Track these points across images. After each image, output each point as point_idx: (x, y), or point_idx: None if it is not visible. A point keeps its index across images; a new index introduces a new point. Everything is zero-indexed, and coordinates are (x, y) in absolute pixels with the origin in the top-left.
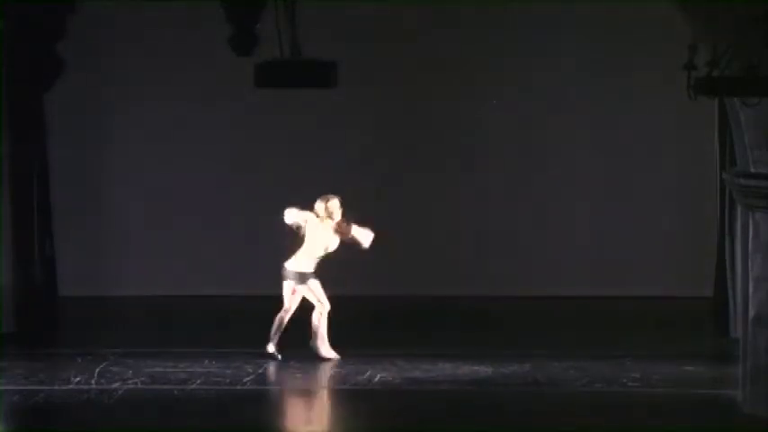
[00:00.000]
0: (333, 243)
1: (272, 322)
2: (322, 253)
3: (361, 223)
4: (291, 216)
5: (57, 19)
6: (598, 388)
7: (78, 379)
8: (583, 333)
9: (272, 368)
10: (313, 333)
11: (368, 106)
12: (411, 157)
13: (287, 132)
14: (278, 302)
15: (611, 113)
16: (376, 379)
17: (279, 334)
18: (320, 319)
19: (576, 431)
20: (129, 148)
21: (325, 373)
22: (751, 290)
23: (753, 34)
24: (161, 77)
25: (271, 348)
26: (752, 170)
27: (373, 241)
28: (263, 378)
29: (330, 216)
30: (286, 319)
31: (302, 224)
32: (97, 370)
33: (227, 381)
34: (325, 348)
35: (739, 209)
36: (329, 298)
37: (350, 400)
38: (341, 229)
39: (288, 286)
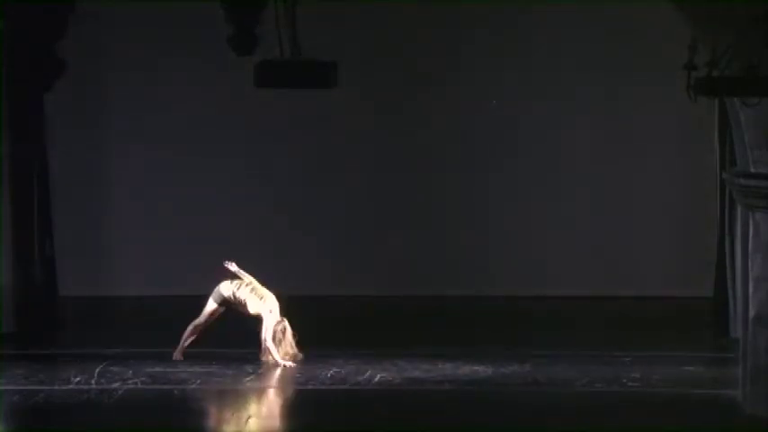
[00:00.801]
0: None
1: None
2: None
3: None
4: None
5: (57, 19)
6: (598, 388)
7: (78, 379)
8: (583, 333)
9: (271, 368)
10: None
11: (368, 106)
12: (411, 156)
13: (287, 132)
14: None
15: (611, 113)
16: (376, 379)
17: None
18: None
19: (576, 431)
20: (128, 148)
21: (325, 372)
22: (751, 290)
23: (753, 34)
24: (161, 77)
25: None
26: (752, 170)
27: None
28: (262, 378)
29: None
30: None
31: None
32: (97, 370)
33: (228, 381)
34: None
35: (739, 209)
36: (330, 297)
37: (350, 400)
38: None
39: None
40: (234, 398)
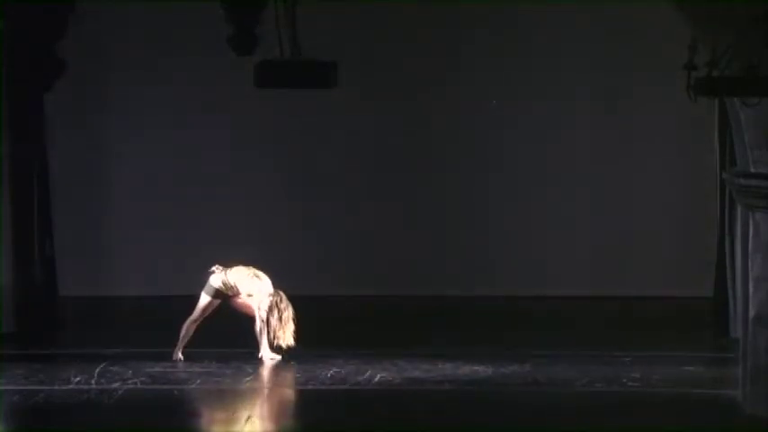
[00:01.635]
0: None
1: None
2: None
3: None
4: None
5: (57, 19)
6: (598, 388)
7: (78, 379)
8: (583, 333)
9: (271, 368)
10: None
11: (368, 106)
12: (411, 156)
13: (287, 132)
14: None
15: (611, 113)
16: (376, 379)
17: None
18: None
19: (575, 431)
20: (128, 148)
21: (325, 372)
22: (751, 290)
23: (753, 34)
24: (161, 77)
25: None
26: (752, 170)
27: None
28: (262, 378)
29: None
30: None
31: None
32: (97, 370)
33: (228, 381)
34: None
35: (739, 209)
36: (330, 297)
37: (350, 400)
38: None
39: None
40: (234, 398)
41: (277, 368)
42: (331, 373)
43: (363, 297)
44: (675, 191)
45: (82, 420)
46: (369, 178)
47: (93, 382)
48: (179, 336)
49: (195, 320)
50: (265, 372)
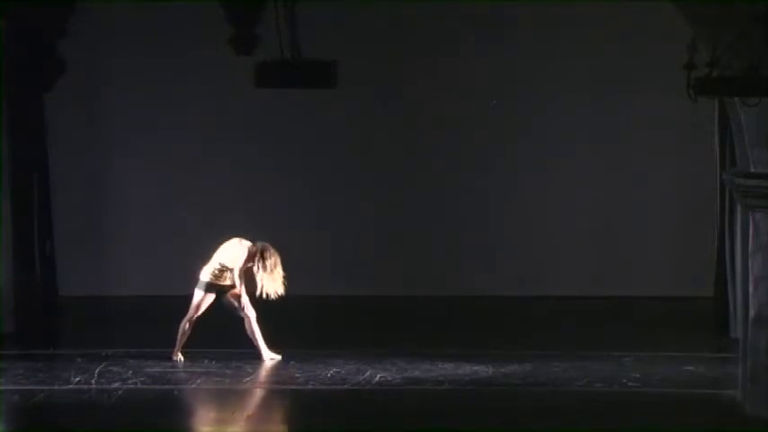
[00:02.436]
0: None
1: (271, 322)
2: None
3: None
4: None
5: (57, 19)
6: (598, 388)
7: (78, 379)
8: (583, 333)
9: (271, 368)
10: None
11: (368, 106)
12: (411, 156)
13: (287, 132)
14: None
15: (611, 113)
16: (376, 379)
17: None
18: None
19: (575, 431)
20: (129, 149)
21: (325, 372)
22: (751, 290)
23: (753, 34)
24: (161, 77)
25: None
26: (752, 170)
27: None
28: (262, 378)
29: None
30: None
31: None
32: (97, 370)
33: (227, 381)
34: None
35: (739, 209)
36: (330, 297)
37: (350, 400)
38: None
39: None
40: (233, 398)
41: (277, 368)
42: (331, 373)
43: (364, 297)
44: (675, 191)
45: (82, 420)
46: (369, 178)
47: (93, 382)
48: (176, 337)
49: (191, 319)
50: (265, 372)
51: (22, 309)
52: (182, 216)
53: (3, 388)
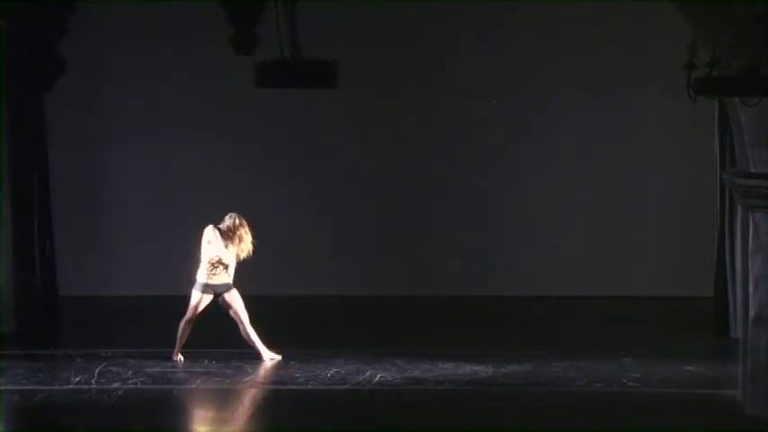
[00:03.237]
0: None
1: (271, 322)
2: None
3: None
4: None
5: (57, 19)
6: (598, 388)
7: (78, 379)
8: (583, 333)
9: (271, 368)
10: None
11: (368, 106)
12: (411, 156)
13: (287, 132)
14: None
15: (612, 113)
16: (376, 379)
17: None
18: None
19: (576, 431)
20: (129, 149)
21: (325, 372)
22: (751, 290)
23: (753, 34)
24: (161, 77)
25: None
26: (752, 170)
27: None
28: (262, 378)
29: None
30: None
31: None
32: (97, 370)
33: (227, 381)
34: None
35: (739, 209)
36: (330, 297)
37: (350, 400)
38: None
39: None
40: (233, 398)
41: (277, 368)
42: (331, 373)
43: (364, 297)
44: (675, 191)
45: (82, 420)
46: (369, 178)
47: (93, 382)
48: (176, 337)
49: (189, 320)
50: (265, 372)
51: (22, 309)
52: (181, 216)
53: (3, 388)
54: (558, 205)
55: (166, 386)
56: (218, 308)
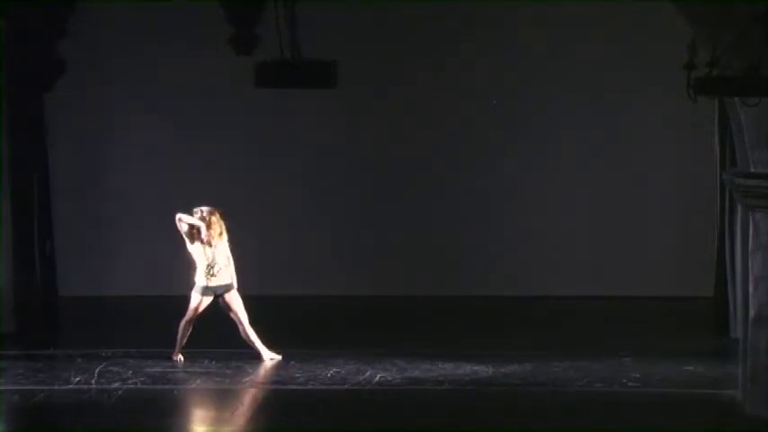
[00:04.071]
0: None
1: (271, 322)
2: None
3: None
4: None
5: (57, 19)
6: (598, 388)
7: (78, 379)
8: (583, 333)
9: (271, 368)
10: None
11: (368, 106)
12: (411, 156)
13: (287, 132)
14: (276, 302)
15: (612, 114)
16: (376, 379)
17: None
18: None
19: (576, 431)
20: (128, 148)
21: (325, 372)
22: (751, 290)
23: (753, 34)
24: (161, 77)
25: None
26: (752, 170)
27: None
28: (262, 378)
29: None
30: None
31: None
32: (97, 370)
33: (227, 381)
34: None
35: (739, 209)
36: (330, 297)
37: (350, 400)
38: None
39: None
40: (233, 398)
41: (277, 368)
42: (331, 373)
43: (364, 297)
44: (675, 191)
45: (82, 420)
46: (369, 178)
47: (93, 382)
48: (176, 338)
49: (189, 320)
50: (265, 372)
51: (22, 309)
52: None
53: (3, 388)
54: (558, 205)
55: (166, 386)
56: (218, 308)
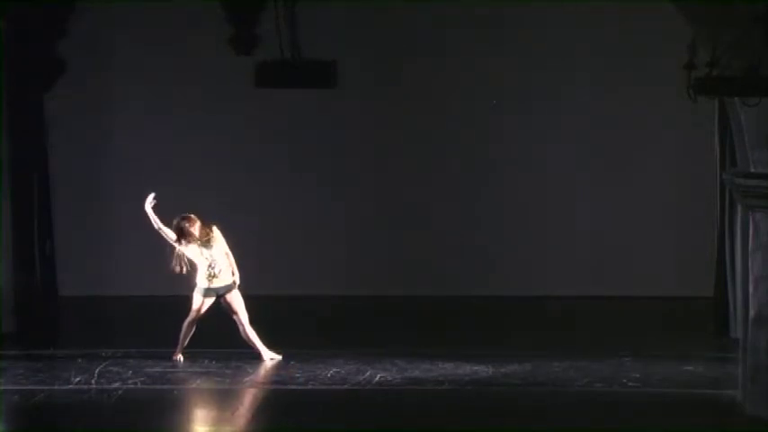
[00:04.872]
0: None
1: (271, 322)
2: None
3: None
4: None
5: (57, 19)
6: (598, 388)
7: (78, 379)
8: (583, 333)
9: (271, 368)
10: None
11: (368, 106)
12: (411, 156)
13: (287, 132)
14: (277, 302)
15: (611, 113)
16: (376, 379)
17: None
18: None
19: (576, 431)
20: (129, 149)
21: (325, 372)
22: (751, 290)
23: (753, 34)
24: (161, 77)
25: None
26: (752, 170)
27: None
28: (262, 378)
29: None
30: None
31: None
32: (97, 370)
33: (227, 381)
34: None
35: (739, 209)
36: (331, 297)
37: (350, 400)
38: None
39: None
40: (233, 398)
41: (277, 368)
42: (331, 373)
43: (364, 297)
44: (675, 191)
45: (82, 420)
46: (369, 178)
47: (93, 382)
48: (178, 338)
49: (192, 321)
50: (265, 372)
51: (22, 309)
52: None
53: (3, 388)
54: (559, 205)
55: (166, 386)
56: (219, 308)
